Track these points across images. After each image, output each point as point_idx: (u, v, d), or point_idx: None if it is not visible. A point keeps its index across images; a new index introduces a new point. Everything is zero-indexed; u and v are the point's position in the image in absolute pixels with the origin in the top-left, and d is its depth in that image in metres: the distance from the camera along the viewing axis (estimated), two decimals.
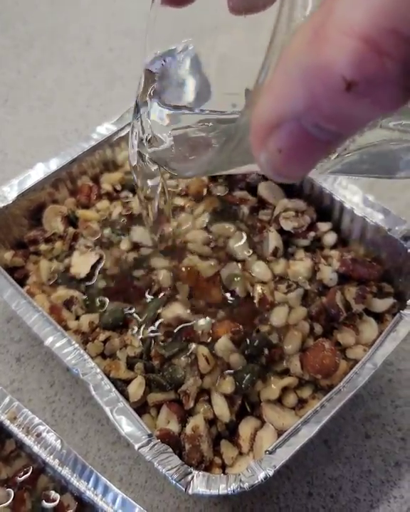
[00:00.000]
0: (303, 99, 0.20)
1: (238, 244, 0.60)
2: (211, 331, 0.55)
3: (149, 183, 0.45)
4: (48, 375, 0.63)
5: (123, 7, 1.00)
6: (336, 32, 0.18)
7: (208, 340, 0.54)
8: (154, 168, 0.43)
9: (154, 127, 0.40)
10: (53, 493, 0.49)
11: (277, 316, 0.55)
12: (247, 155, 0.25)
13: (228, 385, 0.52)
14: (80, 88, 0.89)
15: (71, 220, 0.64)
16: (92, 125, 0.82)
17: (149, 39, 0.40)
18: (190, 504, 0.55)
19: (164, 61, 0.40)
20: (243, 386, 0.52)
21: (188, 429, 0.51)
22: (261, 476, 0.45)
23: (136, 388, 0.53)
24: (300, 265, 0.57)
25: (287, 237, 0.60)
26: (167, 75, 0.41)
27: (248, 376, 0.52)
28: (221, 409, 0.52)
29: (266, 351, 0.53)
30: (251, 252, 0.59)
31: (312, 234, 0.60)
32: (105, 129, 0.67)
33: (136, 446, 0.47)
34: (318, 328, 0.55)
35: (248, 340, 0.54)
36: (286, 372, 0.53)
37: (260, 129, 0.22)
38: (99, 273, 0.60)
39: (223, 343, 0.53)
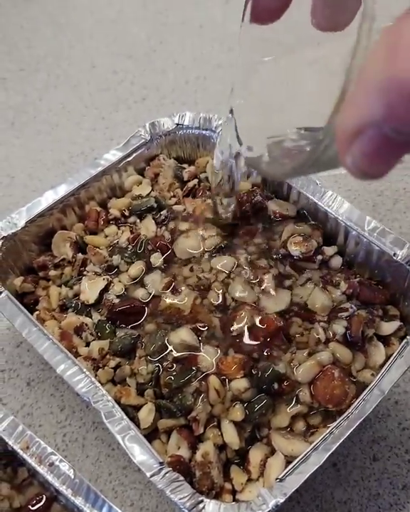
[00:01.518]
0: (381, 108, 0.23)
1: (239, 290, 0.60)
2: (218, 362, 0.55)
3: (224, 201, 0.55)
4: (58, 399, 0.64)
5: (125, 31, 1.01)
6: (407, 49, 0.22)
7: (215, 371, 0.55)
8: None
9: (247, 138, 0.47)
10: None
11: (302, 365, 0.55)
12: (333, 159, 0.29)
13: (237, 413, 0.53)
14: (85, 111, 0.90)
15: (80, 246, 0.65)
16: (97, 148, 0.84)
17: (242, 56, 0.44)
18: None
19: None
20: (253, 415, 0.53)
21: (198, 456, 0.51)
22: (272, 503, 0.46)
23: (146, 414, 0.53)
24: (318, 297, 0.58)
25: (295, 261, 0.61)
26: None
27: (258, 407, 0.53)
28: (231, 436, 0.52)
29: (276, 385, 0.54)
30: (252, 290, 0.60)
31: (319, 257, 0.60)
32: (112, 155, 0.68)
33: (148, 475, 0.48)
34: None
35: (258, 374, 0.54)
36: (296, 400, 0.54)
37: (345, 135, 0.25)
38: (107, 298, 0.60)
39: (242, 385, 0.53)
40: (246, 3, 0.39)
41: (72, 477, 0.49)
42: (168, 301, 0.59)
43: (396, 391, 0.62)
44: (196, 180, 0.69)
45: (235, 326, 0.56)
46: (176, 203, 0.67)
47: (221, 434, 0.53)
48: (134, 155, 0.69)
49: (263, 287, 0.59)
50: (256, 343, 0.56)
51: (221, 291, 0.59)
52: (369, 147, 0.25)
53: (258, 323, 0.56)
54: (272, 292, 0.58)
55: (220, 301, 0.58)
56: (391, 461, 0.59)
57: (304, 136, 0.41)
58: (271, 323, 0.56)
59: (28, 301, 0.63)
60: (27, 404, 0.64)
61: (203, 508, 0.46)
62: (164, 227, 0.64)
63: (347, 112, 0.25)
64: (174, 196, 0.68)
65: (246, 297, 0.58)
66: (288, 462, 0.50)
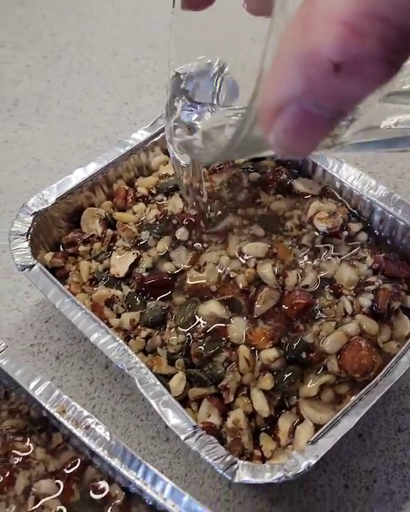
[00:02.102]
0: (300, 83, 0.22)
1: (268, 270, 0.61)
2: (247, 334, 0.56)
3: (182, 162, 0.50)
4: (87, 372, 0.65)
5: (146, 20, 1.03)
6: (320, 20, 0.21)
7: (244, 342, 0.56)
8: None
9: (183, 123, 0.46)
10: (102, 484, 0.51)
11: (327, 332, 0.56)
12: (260, 140, 0.27)
13: (267, 382, 0.54)
14: (108, 96, 0.91)
15: (109, 222, 0.66)
16: (121, 132, 0.85)
17: (173, 49, 0.45)
18: (229, 496, 0.57)
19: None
20: (282, 384, 0.54)
21: (229, 423, 0.53)
22: (304, 464, 0.47)
23: (177, 383, 0.55)
24: (345, 271, 0.60)
25: (322, 237, 0.62)
26: (196, 80, 0.47)
27: (287, 376, 0.54)
28: (261, 404, 0.54)
29: (304, 354, 0.55)
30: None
31: (345, 233, 0.62)
32: (140, 135, 0.69)
33: (182, 437, 0.49)
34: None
35: (287, 344, 0.55)
36: (324, 370, 0.55)
37: (266, 113, 0.24)
38: (137, 272, 0.61)
39: (271, 355, 0.54)
40: None
41: (109, 439, 0.50)
42: (193, 276, 0.60)
43: None
44: None
45: (262, 302, 0.57)
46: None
47: (251, 403, 0.54)
48: (161, 135, 0.70)
49: (291, 262, 0.60)
50: (285, 316, 0.57)
51: (247, 268, 0.60)
52: (291, 123, 0.24)
53: (286, 298, 0.58)
54: (300, 267, 0.59)
55: (247, 276, 0.59)
56: None
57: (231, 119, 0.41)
58: (299, 298, 0.57)
59: (58, 276, 0.64)
60: (57, 377, 0.65)
61: (237, 468, 0.47)
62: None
63: (267, 89, 0.24)
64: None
65: (274, 273, 0.59)
66: (317, 430, 0.51)
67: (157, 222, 0.65)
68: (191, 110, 0.47)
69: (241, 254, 0.61)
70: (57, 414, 0.51)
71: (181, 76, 0.47)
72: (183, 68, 0.46)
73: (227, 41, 0.41)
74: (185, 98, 0.48)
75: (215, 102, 0.47)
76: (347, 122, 0.31)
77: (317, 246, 0.61)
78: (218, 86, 0.46)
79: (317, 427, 0.52)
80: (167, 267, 0.61)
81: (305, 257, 0.60)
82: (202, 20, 0.39)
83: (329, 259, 0.60)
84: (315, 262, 0.60)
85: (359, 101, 0.23)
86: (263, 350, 0.55)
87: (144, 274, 0.61)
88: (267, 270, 0.58)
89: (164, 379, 0.55)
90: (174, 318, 0.58)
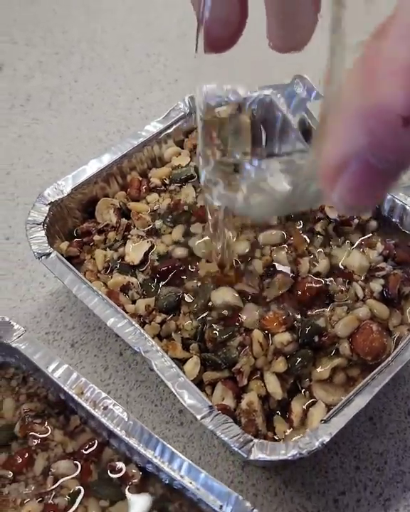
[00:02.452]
0: (365, 138, 0.21)
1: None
2: (260, 319, 0.57)
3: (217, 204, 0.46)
4: (101, 359, 0.66)
5: (158, 16, 1.05)
6: (385, 72, 0.20)
7: (257, 327, 0.57)
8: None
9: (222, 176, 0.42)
10: (119, 464, 0.52)
11: (339, 316, 0.58)
12: (317, 195, 0.27)
13: (280, 365, 0.55)
14: (119, 91, 0.93)
15: (123, 212, 0.67)
16: (133, 126, 0.87)
17: (199, 93, 0.40)
18: (243, 478, 0.58)
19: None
20: (295, 367, 0.55)
21: (243, 405, 0.54)
22: (319, 442, 0.48)
23: (192, 367, 0.56)
24: (356, 257, 0.61)
25: (333, 224, 0.63)
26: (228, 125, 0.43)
27: (300, 359, 0.55)
28: (274, 387, 0.55)
29: (317, 338, 0.56)
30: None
31: (355, 221, 0.63)
32: (153, 127, 0.71)
33: (198, 417, 0.50)
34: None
35: (300, 328, 0.57)
36: (336, 353, 0.56)
37: (328, 171, 0.23)
38: (151, 259, 0.63)
39: (285, 338, 0.56)
40: (197, 33, 0.35)
41: (126, 419, 0.51)
42: (208, 264, 0.62)
43: None
44: None
45: (276, 289, 0.59)
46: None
47: (264, 386, 0.55)
48: (174, 127, 0.72)
49: (304, 250, 0.61)
50: (297, 301, 0.58)
51: (262, 256, 0.61)
52: (355, 181, 0.23)
53: (299, 284, 0.59)
54: (313, 254, 0.61)
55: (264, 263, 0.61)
56: None
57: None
58: (311, 285, 0.58)
59: (73, 264, 0.65)
60: (72, 365, 0.65)
61: (253, 446, 0.48)
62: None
63: (328, 144, 0.23)
64: None
65: (287, 259, 0.60)
66: (329, 411, 0.52)
67: (170, 211, 0.66)
68: (228, 160, 0.42)
69: (256, 242, 0.62)
70: (75, 396, 0.53)
71: (211, 121, 0.42)
72: (211, 112, 0.41)
73: (254, 81, 0.39)
74: (219, 147, 0.42)
75: (252, 150, 0.42)
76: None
77: (329, 233, 0.62)
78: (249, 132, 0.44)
79: (329, 408, 0.53)
80: (180, 252, 0.63)
81: (318, 245, 0.62)
82: (227, 62, 0.36)
83: (340, 246, 0.62)
84: (327, 249, 0.61)
85: None
86: (277, 334, 0.56)
87: (157, 261, 0.62)
88: (282, 256, 0.59)
89: (180, 363, 0.56)
90: (188, 304, 0.59)
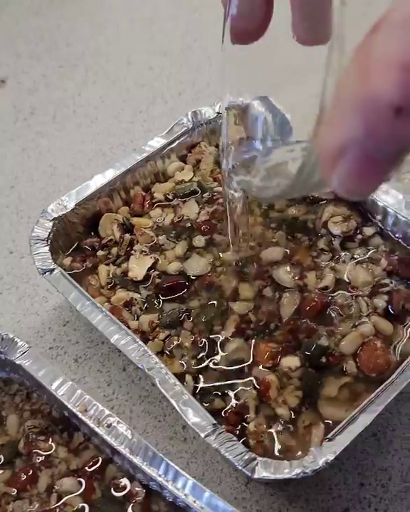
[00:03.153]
0: (360, 127, 0.22)
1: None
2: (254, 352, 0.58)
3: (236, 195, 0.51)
4: (104, 375, 0.66)
5: (161, 29, 1.05)
6: (377, 64, 0.21)
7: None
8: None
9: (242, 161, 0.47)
10: (123, 481, 0.52)
11: (346, 338, 0.58)
12: (320, 180, 0.28)
13: (293, 399, 0.55)
14: (123, 105, 0.93)
15: (126, 227, 0.68)
16: (136, 140, 0.87)
17: (224, 84, 0.44)
18: (247, 495, 0.58)
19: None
20: (304, 391, 0.56)
21: (251, 427, 0.54)
22: (322, 461, 0.48)
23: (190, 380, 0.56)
24: (360, 273, 0.61)
25: (336, 240, 0.63)
26: (248, 116, 0.47)
27: (309, 384, 0.56)
28: (282, 410, 0.55)
29: (324, 359, 0.57)
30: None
31: (359, 237, 0.63)
32: (156, 142, 0.71)
33: (202, 435, 0.50)
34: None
35: (304, 351, 0.57)
36: (341, 371, 0.57)
37: (328, 157, 0.25)
38: (154, 275, 0.63)
39: (293, 363, 0.56)
40: (224, 23, 0.38)
41: (130, 437, 0.51)
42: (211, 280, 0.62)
43: None
44: None
45: (284, 309, 0.59)
46: (217, 187, 0.70)
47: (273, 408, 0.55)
48: (177, 142, 0.72)
49: (309, 264, 0.62)
50: (302, 321, 0.59)
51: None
52: (353, 167, 0.24)
53: (303, 302, 0.59)
54: (319, 269, 0.61)
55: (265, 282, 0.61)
56: None
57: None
58: (316, 302, 0.59)
59: (77, 280, 0.65)
60: (75, 380, 0.66)
61: (257, 464, 0.48)
62: (207, 208, 0.67)
63: (327, 133, 0.24)
64: (216, 180, 0.71)
65: (291, 278, 0.61)
66: (334, 427, 0.52)
67: (173, 227, 0.66)
68: (247, 149, 0.48)
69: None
70: (79, 413, 0.53)
71: (234, 113, 0.48)
72: (233, 103, 0.47)
73: (278, 75, 0.40)
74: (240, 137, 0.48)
75: (269, 138, 0.47)
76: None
77: (333, 248, 0.63)
78: (270, 122, 0.47)
79: (334, 424, 0.53)
80: (184, 269, 0.63)
81: (321, 260, 0.62)
82: (252, 54, 0.39)
83: (343, 261, 0.62)
84: (331, 264, 0.61)
85: None
86: (285, 357, 0.57)
87: (160, 278, 0.63)
88: (283, 273, 0.60)
89: (181, 378, 0.56)
90: (191, 328, 0.60)
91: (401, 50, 0.21)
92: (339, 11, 0.24)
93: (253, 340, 0.58)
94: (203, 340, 0.59)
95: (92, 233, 0.69)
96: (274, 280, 0.61)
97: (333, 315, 0.59)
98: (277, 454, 0.53)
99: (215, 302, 0.61)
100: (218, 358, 0.58)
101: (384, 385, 0.52)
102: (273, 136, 0.47)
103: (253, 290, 0.61)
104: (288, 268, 0.61)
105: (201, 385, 0.57)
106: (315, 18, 0.34)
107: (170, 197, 0.70)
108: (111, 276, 0.65)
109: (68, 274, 0.64)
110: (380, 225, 0.65)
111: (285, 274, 0.60)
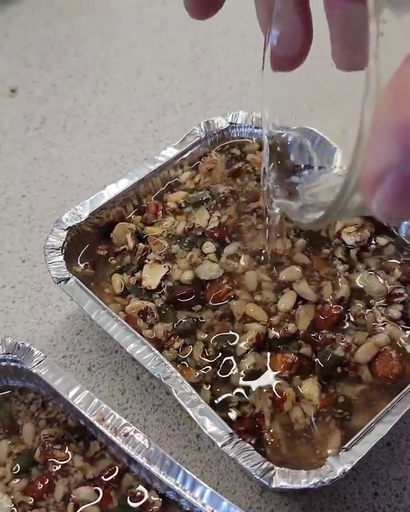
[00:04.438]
0: (398, 152, 0.23)
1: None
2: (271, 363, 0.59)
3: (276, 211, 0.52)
4: (118, 383, 0.66)
5: (170, 40, 1.06)
6: None
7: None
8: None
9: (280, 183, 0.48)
10: (140, 490, 0.52)
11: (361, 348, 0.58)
12: (360, 205, 0.29)
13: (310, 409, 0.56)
14: (133, 114, 0.94)
15: (139, 236, 0.68)
16: (147, 150, 0.88)
17: (264, 109, 0.45)
18: (262, 504, 0.58)
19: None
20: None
21: (267, 436, 0.54)
22: (340, 470, 0.48)
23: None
24: (374, 282, 0.62)
25: (350, 250, 0.64)
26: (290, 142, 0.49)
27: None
28: (298, 418, 0.55)
29: (339, 369, 0.57)
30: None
31: (372, 246, 0.64)
32: (169, 152, 0.72)
33: (219, 445, 0.50)
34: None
35: (319, 361, 0.57)
36: (358, 380, 0.57)
37: (367, 183, 0.25)
38: (168, 284, 0.63)
39: (315, 390, 0.56)
40: (264, 51, 0.40)
41: (148, 446, 0.51)
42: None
43: None
44: (241, 163, 0.74)
45: (300, 320, 0.60)
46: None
47: (287, 413, 0.56)
48: (190, 152, 0.73)
49: (323, 275, 0.62)
50: (318, 332, 0.59)
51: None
52: (393, 192, 0.24)
53: (320, 312, 0.60)
54: (336, 278, 0.62)
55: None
56: None
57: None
58: (332, 313, 0.59)
59: (90, 288, 0.66)
60: (89, 388, 0.65)
61: (274, 474, 0.49)
62: (216, 212, 0.69)
63: (366, 159, 0.25)
64: (227, 184, 0.72)
65: (313, 291, 0.61)
66: (350, 436, 0.53)
67: (186, 235, 0.67)
68: (287, 175, 0.49)
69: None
70: (96, 423, 0.53)
71: (276, 139, 0.49)
72: (275, 129, 0.48)
73: (319, 101, 0.42)
74: (281, 163, 0.49)
75: (311, 165, 0.49)
76: None
77: (347, 258, 0.63)
78: (311, 149, 0.48)
79: (350, 433, 0.53)
80: (197, 274, 0.64)
81: (337, 270, 0.62)
82: (292, 81, 0.40)
83: (357, 271, 0.62)
84: (345, 274, 0.62)
85: None
86: (305, 380, 0.57)
87: (174, 287, 0.63)
88: (303, 287, 0.61)
89: (197, 387, 0.57)
90: (206, 336, 0.61)
91: None
92: (376, 40, 0.24)
93: (269, 352, 0.59)
94: (218, 350, 0.59)
95: (106, 241, 0.70)
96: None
97: (348, 325, 0.59)
98: (293, 463, 0.53)
99: (229, 314, 0.61)
100: (233, 367, 0.58)
101: (400, 394, 0.52)
102: (313, 163, 0.48)
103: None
104: (306, 283, 0.62)
105: (216, 394, 0.57)
106: (353, 46, 0.35)
107: (183, 205, 0.70)
108: (124, 284, 0.65)
109: (82, 282, 0.64)
110: (394, 234, 0.66)
111: (306, 289, 0.61)
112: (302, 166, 0.48)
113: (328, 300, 0.60)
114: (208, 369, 0.58)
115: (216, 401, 0.56)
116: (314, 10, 0.37)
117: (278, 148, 0.48)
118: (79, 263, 0.68)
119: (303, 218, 0.44)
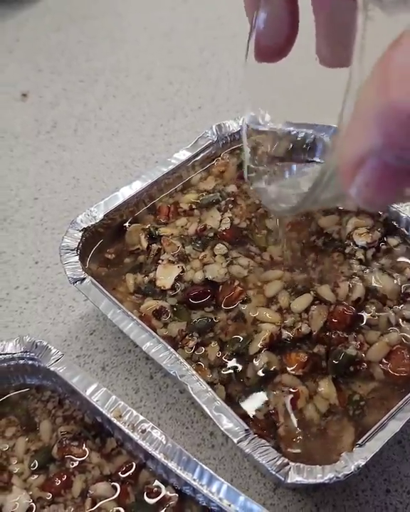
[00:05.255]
0: (379, 137, 0.23)
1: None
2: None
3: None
4: (132, 382, 0.67)
5: (179, 45, 1.07)
6: (396, 75, 0.22)
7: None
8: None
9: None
10: (156, 486, 0.53)
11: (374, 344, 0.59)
12: (338, 191, 0.29)
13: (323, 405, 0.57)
14: (144, 119, 0.95)
15: (152, 237, 0.69)
16: (157, 153, 0.89)
17: (248, 100, 0.45)
18: (275, 500, 0.59)
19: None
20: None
21: (281, 431, 0.55)
22: (354, 466, 0.49)
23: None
24: (387, 282, 0.63)
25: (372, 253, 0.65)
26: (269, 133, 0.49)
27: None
28: (313, 415, 0.56)
29: (351, 368, 0.58)
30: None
31: (383, 247, 0.65)
32: (182, 155, 0.73)
33: (235, 441, 0.51)
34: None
35: (332, 361, 0.58)
36: (370, 378, 0.58)
37: (347, 168, 0.25)
38: (182, 284, 0.65)
39: (332, 391, 0.57)
40: (248, 41, 0.38)
41: (165, 442, 0.52)
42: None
43: None
44: None
45: (314, 321, 0.61)
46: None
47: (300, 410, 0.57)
48: (202, 155, 0.74)
49: (339, 276, 0.64)
50: (332, 331, 0.60)
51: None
52: (372, 177, 0.24)
53: (334, 313, 0.61)
54: (349, 281, 0.63)
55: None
56: None
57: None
58: (345, 314, 0.60)
59: (105, 288, 0.67)
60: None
61: (290, 469, 0.49)
62: (227, 214, 0.70)
63: (347, 143, 0.25)
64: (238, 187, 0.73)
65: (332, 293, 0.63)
66: (363, 433, 0.54)
67: (199, 237, 0.68)
68: (267, 165, 0.49)
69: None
70: (113, 419, 0.54)
71: (254, 128, 0.48)
72: (254, 120, 0.48)
73: (298, 94, 0.42)
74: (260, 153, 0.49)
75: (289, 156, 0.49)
76: None
77: (363, 258, 0.64)
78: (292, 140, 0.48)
79: (364, 430, 0.54)
80: (210, 276, 0.65)
81: (352, 270, 0.63)
82: (275, 73, 0.39)
83: (372, 271, 0.63)
84: (360, 274, 0.63)
85: None
86: (322, 381, 0.58)
87: (188, 287, 0.64)
88: (325, 290, 0.62)
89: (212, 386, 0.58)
90: (220, 334, 0.62)
91: None
92: (362, 33, 0.24)
93: (282, 351, 0.59)
94: (233, 349, 0.60)
95: (119, 241, 0.71)
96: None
97: (361, 324, 0.60)
98: (308, 459, 0.54)
99: (242, 315, 0.62)
100: (248, 365, 0.59)
101: None
102: (292, 155, 0.48)
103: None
104: (327, 285, 0.63)
105: (231, 392, 0.58)
106: (339, 41, 0.35)
107: (194, 207, 0.72)
108: (138, 284, 0.66)
109: (97, 282, 0.65)
110: (405, 234, 0.67)
111: (327, 291, 0.62)
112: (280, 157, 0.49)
113: (343, 301, 0.61)
114: (222, 368, 0.59)
115: (230, 399, 0.57)
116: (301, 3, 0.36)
117: (257, 140, 0.48)
118: (93, 263, 0.69)
119: (277, 206, 0.44)
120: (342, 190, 0.27)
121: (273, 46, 0.38)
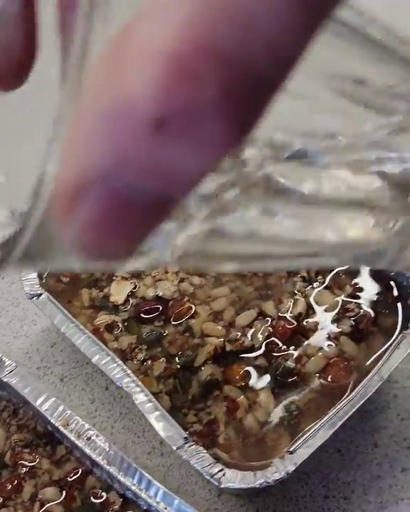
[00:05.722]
0: (107, 153, 0.13)
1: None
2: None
3: None
4: (88, 393, 0.70)
5: None
6: (136, 54, 0.13)
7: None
8: None
9: None
10: (101, 491, 0.56)
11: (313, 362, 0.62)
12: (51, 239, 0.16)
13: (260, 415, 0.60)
14: None
15: None
16: None
17: None
18: (219, 505, 0.62)
19: None
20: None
21: (221, 440, 0.58)
22: (284, 471, 0.52)
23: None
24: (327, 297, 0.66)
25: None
26: None
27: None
28: (251, 423, 0.59)
29: (290, 379, 0.61)
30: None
31: None
32: None
33: (174, 448, 0.54)
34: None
35: (272, 372, 0.62)
36: (308, 388, 0.61)
37: (62, 198, 0.15)
38: (134, 300, 0.68)
39: (270, 404, 0.60)
40: None
41: (107, 449, 0.55)
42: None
43: (395, 386, 0.69)
44: None
45: (256, 336, 0.64)
46: None
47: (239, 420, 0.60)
48: None
49: (282, 293, 0.67)
50: (274, 345, 0.63)
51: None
52: (97, 215, 0.14)
53: (275, 328, 0.64)
54: (291, 297, 0.66)
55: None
56: (391, 448, 0.64)
57: None
58: (286, 327, 0.63)
59: (60, 302, 0.70)
60: (60, 398, 0.69)
61: (224, 475, 0.53)
62: None
63: (64, 162, 0.14)
64: None
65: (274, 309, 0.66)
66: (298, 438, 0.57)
67: None
68: None
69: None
70: (61, 427, 0.57)
71: None
72: None
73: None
74: None
75: None
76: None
77: (302, 276, 0.67)
78: None
79: (297, 438, 0.57)
80: (161, 293, 0.68)
81: (296, 287, 0.67)
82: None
83: (313, 288, 0.66)
84: (302, 290, 0.66)
85: (195, 180, 0.14)
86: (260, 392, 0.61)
87: (140, 302, 0.67)
88: (270, 307, 0.65)
89: (158, 396, 0.61)
90: (167, 348, 0.65)
91: (173, 35, 0.12)
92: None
93: (226, 364, 0.63)
94: (179, 362, 0.63)
95: None
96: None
97: (301, 338, 0.63)
98: (245, 465, 0.57)
99: (190, 329, 0.65)
100: (193, 377, 0.62)
101: (343, 403, 0.56)
102: None
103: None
104: (271, 302, 0.66)
105: (175, 402, 0.61)
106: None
107: None
108: (93, 299, 0.69)
109: (54, 297, 0.68)
110: None
111: (271, 306, 0.65)
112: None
113: (286, 316, 0.64)
114: (168, 379, 0.62)
115: (174, 409, 0.60)
116: None
117: None
118: (50, 278, 0.72)
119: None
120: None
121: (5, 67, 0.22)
